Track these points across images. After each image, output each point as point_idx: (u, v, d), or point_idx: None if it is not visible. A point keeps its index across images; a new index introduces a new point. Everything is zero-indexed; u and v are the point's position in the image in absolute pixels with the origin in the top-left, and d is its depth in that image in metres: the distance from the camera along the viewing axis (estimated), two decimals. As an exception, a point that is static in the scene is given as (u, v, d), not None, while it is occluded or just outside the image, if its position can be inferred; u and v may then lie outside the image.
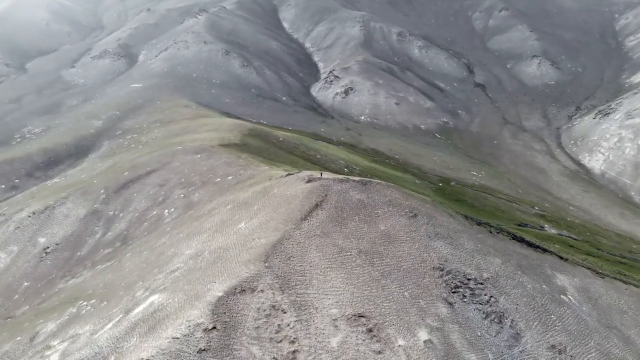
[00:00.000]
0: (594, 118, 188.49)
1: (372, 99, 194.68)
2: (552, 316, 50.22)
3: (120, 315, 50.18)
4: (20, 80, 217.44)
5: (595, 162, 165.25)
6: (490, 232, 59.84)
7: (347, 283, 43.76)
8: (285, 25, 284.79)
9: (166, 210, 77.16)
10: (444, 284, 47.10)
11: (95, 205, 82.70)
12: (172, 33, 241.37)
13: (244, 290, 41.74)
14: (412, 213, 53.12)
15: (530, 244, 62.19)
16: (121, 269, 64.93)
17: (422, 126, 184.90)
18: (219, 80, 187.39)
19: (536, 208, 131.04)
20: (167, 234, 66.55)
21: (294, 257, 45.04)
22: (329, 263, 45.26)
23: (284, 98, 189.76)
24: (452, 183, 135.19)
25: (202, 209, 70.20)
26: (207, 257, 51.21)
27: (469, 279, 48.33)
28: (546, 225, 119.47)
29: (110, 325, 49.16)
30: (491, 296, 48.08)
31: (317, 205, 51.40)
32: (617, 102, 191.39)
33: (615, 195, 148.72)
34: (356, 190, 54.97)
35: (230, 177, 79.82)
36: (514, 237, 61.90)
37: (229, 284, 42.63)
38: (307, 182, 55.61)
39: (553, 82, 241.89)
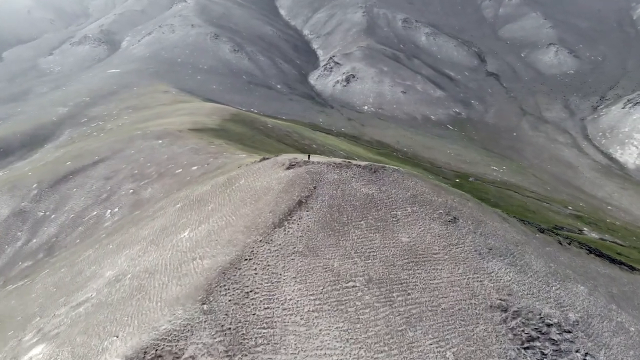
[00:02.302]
0: (622, 108, 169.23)
1: (377, 87, 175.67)
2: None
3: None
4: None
5: (629, 156, 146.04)
6: (560, 243, 40.81)
7: (348, 340, 24.88)
8: (282, 12, 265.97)
9: (108, 211, 58.27)
10: (510, 335, 28.18)
11: (23, 204, 63.87)
12: (160, 19, 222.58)
13: (159, 357, 22.82)
14: (450, 215, 34.23)
15: (612, 260, 43.14)
16: (29, 293, 46.19)
17: (432, 117, 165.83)
18: (206, 66, 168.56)
19: (570, 208, 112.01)
20: (96, 245, 47.68)
21: (255, 293, 26.18)
22: (317, 302, 26.40)
23: (279, 86, 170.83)
24: (470, 179, 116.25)
25: (150, 209, 51.25)
26: (127, 284, 32.46)
27: (549, 325, 29.48)
28: (585, 229, 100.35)
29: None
30: (587, 353, 29.17)
31: (300, 203, 32.62)
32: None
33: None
34: (362, 180, 36.14)
35: (195, 167, 60.95)
36: (590, 250, 42.86)
37: (136, 343, 23.69)
38: (288, 168, 36.75)
39: (572, 71, 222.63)
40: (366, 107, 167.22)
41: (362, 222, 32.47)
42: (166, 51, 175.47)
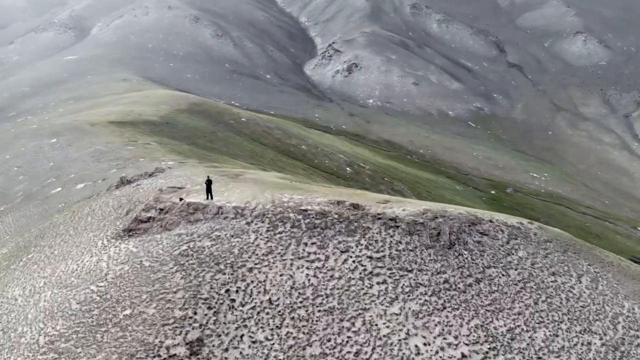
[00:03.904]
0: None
1: (384, 77, 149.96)
2: None
3: None
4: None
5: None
6: None
7: None
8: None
9: None
10: None
11: None
12: (136, 3, 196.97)
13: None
14: None
15: None
16: None
17: (450, 112, 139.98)
18: (181, 52, 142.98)
19: (639, 229, 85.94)
20: None
21: None
22: None
23: (268, 76, 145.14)
24: (508, 190, 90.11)
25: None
26: None
27: None
28: (672, 260, 73.56)
29: None
30: None
31: None
32: None
33: None
34: (418, 298, 9.67)
35: (81, 185, 35.10)
36: None
37: None
38: (129, 232, 10.35)
39: (604, 63, 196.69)
40: (371, 101, 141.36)
41: None
42: (136, 36, 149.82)
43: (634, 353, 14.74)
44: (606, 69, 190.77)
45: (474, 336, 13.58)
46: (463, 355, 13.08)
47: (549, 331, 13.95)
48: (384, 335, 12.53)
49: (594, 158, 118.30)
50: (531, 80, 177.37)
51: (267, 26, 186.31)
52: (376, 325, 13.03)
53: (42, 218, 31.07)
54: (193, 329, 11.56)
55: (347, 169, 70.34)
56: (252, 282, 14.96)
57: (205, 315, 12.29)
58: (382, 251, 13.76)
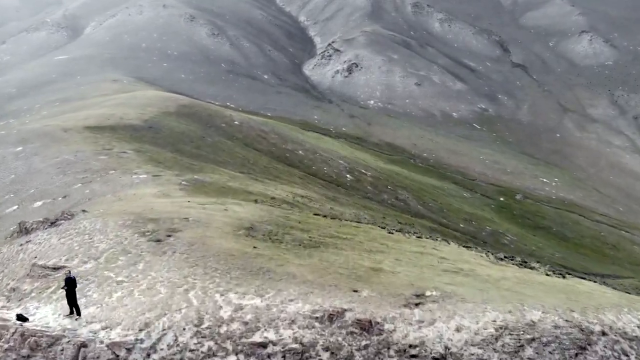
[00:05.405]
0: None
1: (385, 77, 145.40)
2: None
3: None
4: None
5: None
6: None
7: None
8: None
9: None
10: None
11: None
12: (131, 1, 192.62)
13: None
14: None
15: None
16: None
17: (454, 114, 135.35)
18: (176, 52, 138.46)
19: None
20: None
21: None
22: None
23: (266, 76, 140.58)
24: (517, 196, 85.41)
25: None
26: None
27: None
28: (694, 273, 69.40)
29: None
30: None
31: None
32: None
33: None
34: None
35: (39, 203, 30.15)
36: None
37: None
38: None
39: (611, 62, 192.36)
40: (372, 102, 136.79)
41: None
42: (129, 35, 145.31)
43: None
44: (613, 69, 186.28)
45: None
46: None
47: None
48: None
49: (604, 162, 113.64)
50: (536, 81, 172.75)
51: (265, 25, 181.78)
52: None
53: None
54: None
55: (348, 176, 65.64)
56: None
57: None
58: None
